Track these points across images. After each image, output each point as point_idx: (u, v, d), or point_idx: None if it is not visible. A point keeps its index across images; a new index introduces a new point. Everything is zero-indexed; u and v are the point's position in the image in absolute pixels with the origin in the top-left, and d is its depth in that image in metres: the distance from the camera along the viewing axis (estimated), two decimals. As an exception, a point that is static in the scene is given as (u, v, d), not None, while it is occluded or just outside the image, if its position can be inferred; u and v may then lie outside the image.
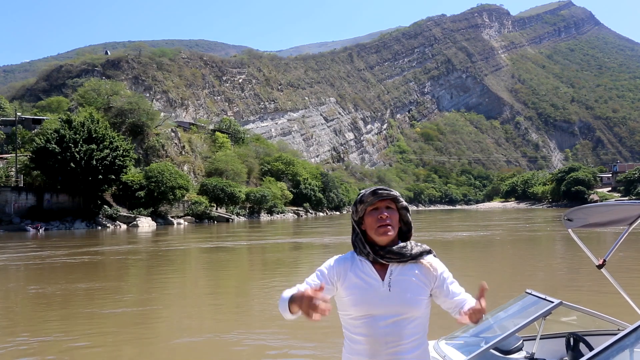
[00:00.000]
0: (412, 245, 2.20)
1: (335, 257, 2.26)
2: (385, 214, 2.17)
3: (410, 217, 2.27)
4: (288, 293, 2.04)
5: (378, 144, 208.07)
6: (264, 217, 65.91)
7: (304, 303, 1.87)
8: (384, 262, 2.16)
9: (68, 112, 54.39)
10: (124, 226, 43.35)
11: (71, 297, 11.43)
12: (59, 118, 46.88)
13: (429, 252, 2.23)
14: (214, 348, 7.27)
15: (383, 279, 2.13)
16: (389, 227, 2.16)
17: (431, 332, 4.32)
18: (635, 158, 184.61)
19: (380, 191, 2.19)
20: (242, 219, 60.42)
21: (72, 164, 40.48)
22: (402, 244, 2.19)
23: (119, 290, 12.64)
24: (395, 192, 2.23)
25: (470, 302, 2.12)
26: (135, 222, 44.02)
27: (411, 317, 2.10)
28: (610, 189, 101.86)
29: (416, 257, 2.17)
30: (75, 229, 40.17)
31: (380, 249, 2.16)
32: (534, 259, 18.44)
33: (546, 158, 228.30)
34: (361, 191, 2.28)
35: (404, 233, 2.27)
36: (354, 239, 2.25)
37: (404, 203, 2.25)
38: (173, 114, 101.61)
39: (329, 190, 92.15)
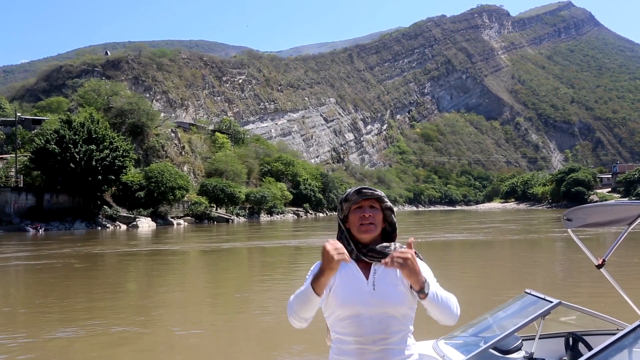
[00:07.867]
0: (397, 247, 2.21)
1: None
2: (368, 213, 2.20)
3: (394, 218, 2.30)
4: (302, 288, 2.08)
5: (378, 145, 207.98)
6: (264, 217, 65.89)
7: (326, 261, 1.96)
8: (367, 260, 2.18)
9: (68, 113, 54.37)
10: (123, 226, 43.33)
11: (71, 297, 11.42)
12: (59, 118, 46.85)
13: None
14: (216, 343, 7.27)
15: (367, 278, 2.16)
16: (371, 225, 2.20)
17: (430, 332, 4.35)
18: (635, 159, 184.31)
19: (364, 190, 2.22)
20: (242, 219, 60.40)
21: (72, 165, 40.44)
22: (385, 244, 2.21)
23: (118, 289, 12.64)
24: (380, 192, 2.26)
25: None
26: (135, 223, 43.99)
27: (397, 314, 2.13)
28: (610, 189, 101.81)
29: None
30: (75, 230, 40.16)
31: (364, 247, 2.20)
32: (534, 259, 18.45)
33: (546, 159, 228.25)
34: (347, 190, 2.32)
35: (389, 233, 2.29)
36: (339, 236, 2.28)
37: (389, 203, 2.28)
38: (173, 115, 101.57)
39: (329, 190, 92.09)
